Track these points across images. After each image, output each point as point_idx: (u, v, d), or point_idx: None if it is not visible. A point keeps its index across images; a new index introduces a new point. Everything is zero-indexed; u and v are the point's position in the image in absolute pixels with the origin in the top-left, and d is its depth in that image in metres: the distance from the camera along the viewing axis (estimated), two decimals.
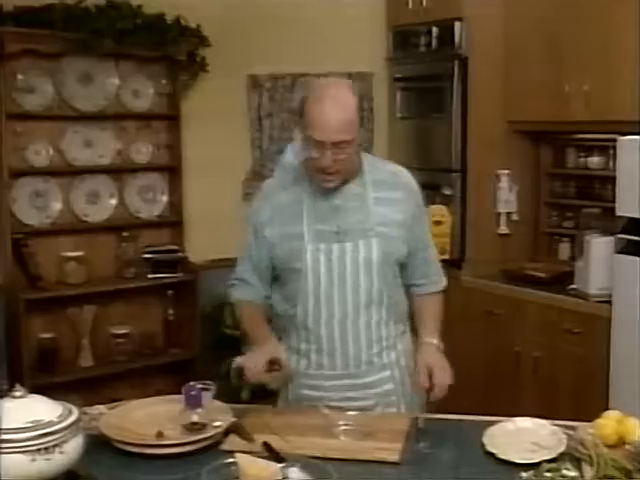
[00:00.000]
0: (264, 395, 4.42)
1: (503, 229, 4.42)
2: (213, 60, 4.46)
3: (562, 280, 4.02)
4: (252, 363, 2.23)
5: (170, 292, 4.52)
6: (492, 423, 2.18)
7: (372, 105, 4.83)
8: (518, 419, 2.20)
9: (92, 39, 4.02)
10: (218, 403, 2.25)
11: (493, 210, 4.40)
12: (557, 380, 3.87)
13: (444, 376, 2.23)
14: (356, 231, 2.30)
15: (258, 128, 4.71)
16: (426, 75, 4.53)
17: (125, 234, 4.40)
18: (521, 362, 4.01)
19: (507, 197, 4.37)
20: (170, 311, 4.54)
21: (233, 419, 2.17)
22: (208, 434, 2.05)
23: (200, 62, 4.43)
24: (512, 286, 4.15)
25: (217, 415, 2.14)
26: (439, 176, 4.38)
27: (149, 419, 2.15)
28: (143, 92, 4.44)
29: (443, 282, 2.52)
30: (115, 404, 2.40)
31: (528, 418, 2.20)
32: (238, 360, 2.27)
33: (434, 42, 4.43)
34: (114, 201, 4.44)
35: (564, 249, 4.43)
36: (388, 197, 2.34)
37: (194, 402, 2.07)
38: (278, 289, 2.43)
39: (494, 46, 4.30)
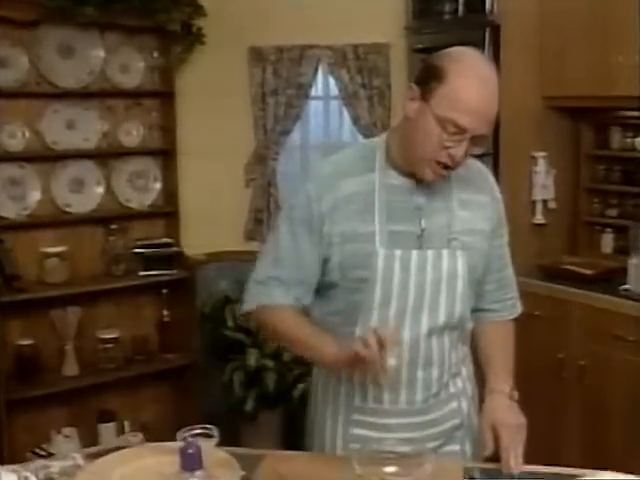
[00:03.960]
0: (268, 404, 4.20)
1: (539, 218, 4.10)
2: (210, 31, 4.21)
3: (610, 278, 3.68)
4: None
5: (164, 291, 4.23)
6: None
7: (389, 81, 4.48)
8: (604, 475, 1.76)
9: (72, 6, 3.70)
10: (223, 454, 1.83)
11: (528, 197, 4.06)
12: (606, 392, 3.51)
13: (516, 439, 1.85)
14: (439, 237, 1.91)
15: (261, 106, 4.42)
16: (451, 45, 4.06)
17: (113, 226, 4.09)
18: (565, 371, 3.66)
19: (543, 182, 4.05)
20: (165, 312, 4.24)
21: (242, 473, 1.75)
22: None
23: (196, 33, 4.18)
24: (551, 284, 3.79)
25: (222, 474, 1.72)
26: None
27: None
28: (132, 67, 4.14)
29: (518, 308, 2.15)
30: (94, 451, 1.97)
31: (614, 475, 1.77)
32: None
33: (461, 8, 4.06)
34: (101, 189, 4.11)
35: (607, 241, 4.10)
36: (474, 200, 1.97)
37: (192, 463, 1.62)
38: (322, 303, 2.00)
39: (529, 12, 3.95)
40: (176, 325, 4.21)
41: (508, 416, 1.91)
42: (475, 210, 1.95)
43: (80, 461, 1.86)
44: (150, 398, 4.25)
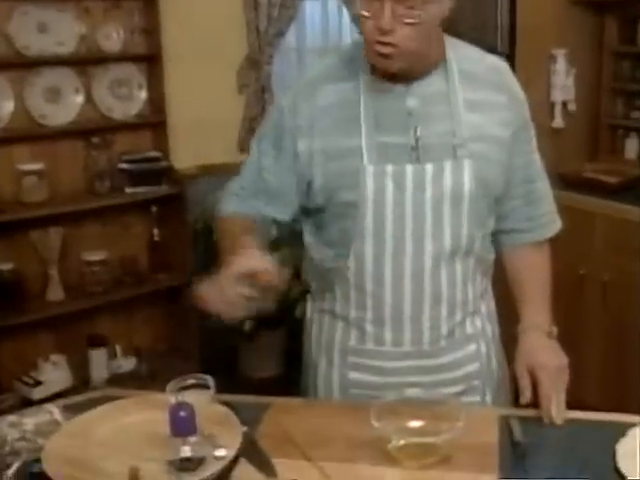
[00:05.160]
0: (268, 324, 4.04)
1: (558, 122, 3.88)
2: None
3: (635, 187, 3.52)
4: (216, 288, 1.51)
5: (153, 208, 3.98)
6: (624, 426, 1.55)
7: None
8: None
9: None
10: (220, 409, 1.60)
11: (546, 99, 3.85)
12: (630, 310, 3.33)
13: (557, 384, 1.64)
14: (440, 147, 1.64)
15: (254, 6, 4.18)
16: None
17: (95, 140, 3.79)
18: (587, 287, 3.53)
19: (563, 82, 3.83)
20: (154, 231, 4.00)
21: (243, 429, 1.52)
22: (206, 474, 1.39)
23: None
24: (572, 193, 3.58)
25: (219, 433, 1.49)
26: None
27: (120, 442, 1.51)
28: None
29: (554, 226, 1.87)
30: (72, 402, 1.77)
31: None
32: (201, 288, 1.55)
33: None
34: (79, 99, 3.79)
35: (632, 145, 3.88)
36: (486, 101, 1.68)
37: (184, 428, 1.40)
38: (316, 231, 1.77)
39: None
40: (167, 244, 3.99)
41: (547, 358, 1.69)
42: (487, 113, 1.66)
43: (57, 416, 1.64)
44: (142, 321, 4.06)
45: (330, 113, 1.64)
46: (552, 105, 3.85)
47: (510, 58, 3.68)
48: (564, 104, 3.86)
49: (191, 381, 1.63)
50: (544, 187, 1.83)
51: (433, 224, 1.64)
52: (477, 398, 1.78)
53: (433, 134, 1.62)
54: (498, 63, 1.75)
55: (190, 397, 1.57)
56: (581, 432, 1.58)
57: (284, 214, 1.76)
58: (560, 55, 3.77)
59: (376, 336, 1.72)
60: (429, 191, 1.62)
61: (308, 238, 1.79)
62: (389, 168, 1.61)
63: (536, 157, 1.81)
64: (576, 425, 1.61)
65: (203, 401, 1.57)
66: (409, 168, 1.61)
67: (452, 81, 1.64)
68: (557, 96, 3.82)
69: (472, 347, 1.77)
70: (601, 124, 4.00)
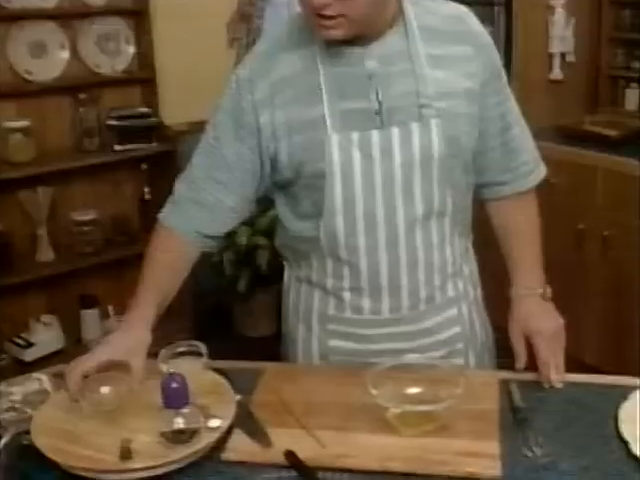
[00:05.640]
0: (262, 283, 4.00)
1: (556, 74, 3.81)
2: None
3: (636, 140, 3.42)
4: (75, 367, 1.49)
5: (144, 166, 3.95)
6: (626, 389, 1.53)
7: None
8: None
9: None
10: (213, 377, 1.58)
11: (544, 51, 3.79)
12: (631, 266, 3.29)
13: (555, 348, 1.63)
14: (405, 109, 1.56)
15: None
16: None
17: (82, 96, 3.72)
18: (586, 243, 3.47)
19: (562, 33, 3.75)
20: (146, 189, 3.96)
21: (237, 398, 1.51)
22: (199, 446, 1.36)
23: None
24: (570, 147, 3.52)
25: (213, 403, 1.46)
26: (477, 10, 3.56)
27: (111, 413, 1.47)
28: None
29: (538, 173, 1.78)
30: (61, 370, 1.71)
31: None
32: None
33: None
34: (65, 54, 3.71)
35: (632, 96, 3.79)
36: (450, 55, 1.59)
37: (177, 400, 1.37)
38: (287, 203, 1.71)
39: None
40: (159, 203, 3.69)
41: (543, 322, 1.67)
42: (453, 67, 1.59)
43: (46, 384, 1.61)
44: (134, 281, 3.95)
45: (289, 84, 1.56)
46: (550, 57, 3.77)
47: (507, 9, 3.63)
48: (563, 55, 3.78)
49: (183, 348, 1.60)
50: (522, 134, 1.74)
51: (403, 189, 1.58)
52: (460, 361, 1.75)
53: (396, 96, 1.55)
54: (457, 11, 1.65)
55: (182, 365, 1.54)
56: (582, 396, 1.56)
57: (246, 211, 1.70)
58: (558, 5, 3.68)
59: (354, 304, 1.68)
60: (397, 156, 1.56)
61: (281, 210, 1.73)
62: (354, 136, 1.55)
63: (511, 104, 1.71)
64: (576, 389, 1.59)
65: (196, 369, 1.55)
66: (375, 134, 1.55)
67: (412, 38, 1.56)
68: (555, 47, 3.75)
69: (453, 310, 1.73)
70: (601, 75, 3.92)
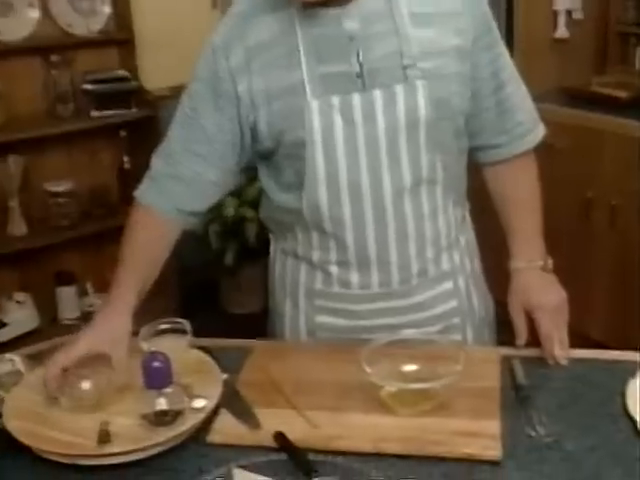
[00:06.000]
0: (250, 256, 4.01)
1: (562, 32, 3.83)
2: None
3: None
4: (54, 362, 1.50)
5: (123, 133, 3.96)
6: (634, 365, 1.55)
7: None
8: None
9: None
10: (198, 355, 1.59)
11: (548, 7, 3.81)
12: None
13: (558, 323, 1.64)
14: (388, 70, 1.56)
15: None
16: None
17: (54, 57, 3.72)
18: (594, 213, 3.48)
19: None
20: (125, 158, 3.98)
21: (224, 377, 1.52)
22: (183, 427, 1.37)
23: None
24: (578, 109, 3.54)
25: (198, 382, 1.48)
26: None
27: (88, 394, 1.48)
28: None
29: (535, 134, 1.77)
30: (35, 351, 1.75)
31: None
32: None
33: None
34: (35, 13, 3.70)
35: None
36: (435, 11, 1.58)
37: (159, 380, 1.37)
38: (270, 173, 1.71)
39: None
40: (140, 172, 3.67)
41: (544, 296, 1.67)
42: (439, 24, 1.58)
43: (19, 365, 1.62)
44: (114, 256, 3.95)
45: (266, 48, 1.56)
46: (555, 14, 3.79)
47: None
48: (569, 13, 3.79)
49: (166, 326, 1.61)
50: (517, 92, 1.73)
51: (389, 156, 1.58)
52: (458, 337, 1.76)
53: (379, 57, 1.54)
54: None
55: (165, 343, 1.55)
56: (587, 373, 1.57)
57: (227, 186, 1.70)
58: None
59: (342, 279, 1.69)
60: (381, 121, 1.56)
61: (264, 181, 1.73)
62: (335, 100, 1.55)
63: (504, 60, 1.70)
64: (582, 365, 1.60)
65: (179, 348, 1.56)
66: (356, 97, 1.55)
67: None
68: (561, 4, 3.76)
69: (448, 284, 1.73)
70: (610, 32, 3.90)
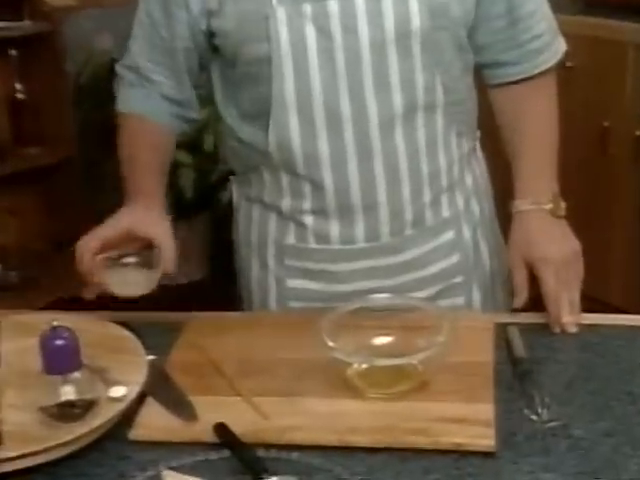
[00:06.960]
0: (186, 213, 4.05)
1: None
2: None
3: None
4: (88, 241, 1.60)
5: (13, 52, 4.00)
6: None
7: None
8: None
9: None
10: (119, 332, 1.61)
11: None
12: None
13: (567, 280, 1.68)
14: None
15: None
16: None
17: None
18: (612, 145, 3.58)
19: None
20: (17, 86, 4.04)
21: (150, 358, 1.55)
22: (98, 422, 1.40)
23: None
24: (594, 18, 3.64)
25: (116, 365, 1.50)
26: None
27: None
28: None
29: (555, 50, 1.80)
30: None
31: None
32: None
33: None
34: None
35: None
36: None
37: (64, 362, 1.39)
38: (229, 98, 1.77)
39: None
40: (37, 105, 4.00)
41: (551, 246, 1.72)
42: None
43: None
44: (8, 212, 4.06)
45: None
46: None
47: None
48: None
49: (131, 259, 1.61)
50: (535, 1, 1.77)
51: (375, 77, 1.62)
52: (460, 300, 1.82)
53: None
54: None
55: (129, 277, 1.60)
56: (602, 342, 1.63)
57: (190, 98, 1.82)
58: None
59: (319, 231, 1.75)
60: (364, 33, 1.59)
61: (222, 106, 1.79)
62: (307, 7, 1.58)
63: None
64: (595, 334, 1.66)
65: (146, 284, 1.60)
66: (332, 4, 1.58)
67: None
68: None
69: (449, 234, 1.79)
70: None
